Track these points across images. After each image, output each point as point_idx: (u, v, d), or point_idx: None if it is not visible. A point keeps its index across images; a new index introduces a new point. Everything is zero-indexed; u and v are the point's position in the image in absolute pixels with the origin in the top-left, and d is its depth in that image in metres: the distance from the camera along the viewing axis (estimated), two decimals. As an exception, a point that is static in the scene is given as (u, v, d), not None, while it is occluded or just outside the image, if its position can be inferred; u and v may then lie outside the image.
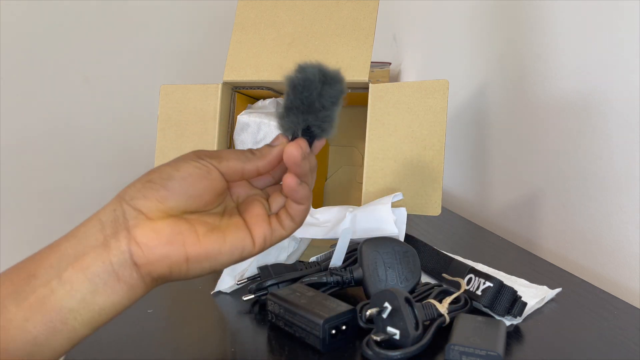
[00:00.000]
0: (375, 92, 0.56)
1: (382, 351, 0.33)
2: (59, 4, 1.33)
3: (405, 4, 1.32)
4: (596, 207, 0.58)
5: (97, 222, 0.29)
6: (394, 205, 0.49)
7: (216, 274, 0.51)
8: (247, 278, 0.45)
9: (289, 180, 0.31)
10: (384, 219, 0.47)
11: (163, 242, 0.28)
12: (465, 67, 0.96)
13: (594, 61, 0.59)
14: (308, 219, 0.53)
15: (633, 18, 0.52)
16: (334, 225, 0.49)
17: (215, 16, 1.44)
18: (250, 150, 0.33)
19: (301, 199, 0.32)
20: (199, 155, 0.31)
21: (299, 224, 0.33)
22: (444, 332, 0.36)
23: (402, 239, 0.48)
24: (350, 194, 0.72)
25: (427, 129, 0.55)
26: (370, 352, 0.34)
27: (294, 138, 0.32)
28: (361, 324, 0.37)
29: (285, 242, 0.48)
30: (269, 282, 0.43)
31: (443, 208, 0.76)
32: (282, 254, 0.48)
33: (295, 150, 0.31)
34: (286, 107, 0.32)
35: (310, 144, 0.33)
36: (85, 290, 0.27)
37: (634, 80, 0.52)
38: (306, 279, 0.42)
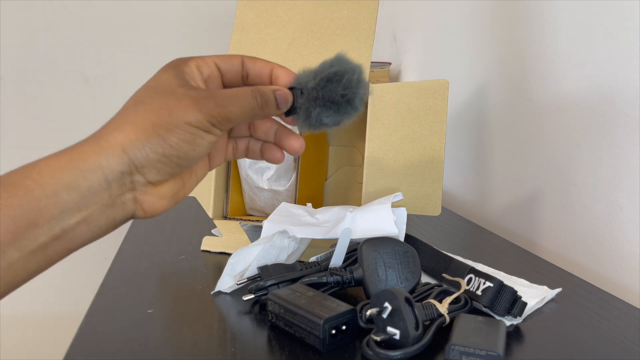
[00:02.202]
0: (375, 92, 0.56)
1: (382, 351, 0.33)
2: (59, 4, 1.33)
3: (405, 4, 1.32)
4: (596, 207, 0.58)
5: (103, 180, 0.29)
6: (394, 205, 0.49)
7: (216, 273, 0.51)
8: (247, 278, 0.45)
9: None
10: (384, 219, 0.47)
11: (164, 205, 0.32)
12: (465, 67, 0.96)
13: (594, 61, 0.59)
14: (308, 219, 0.53)
15: (633, 18, 0.52)
16: (334, 225, 0.49)
17: (215, 16, 1.44)
18: (256, 96, 0.32)
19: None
20: (211, 121, 0.30)
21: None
22: (444, 332, 0.36)
23: (402, 239, 0.48)
24: (350, 194, 0.72)
25: (427, 129, 0.55)
26: (370, 352, 0.34)
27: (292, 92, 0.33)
28: (361, 324, 0.37)
29: (285, 242, 0.48)
30: (269, 282, 0.43)
31: (443, 208, 0.76)
32: (282, 254, 0.48)
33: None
34: (316, 75, 0.32)
35: (290, 112, 0.33)
36: (87, 238, 0.29)
37: (634, 80, 0.52)
38: (306, 279, 0.42)
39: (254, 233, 0.63)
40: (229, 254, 0.51)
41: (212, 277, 0.50)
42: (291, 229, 0.49)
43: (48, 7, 1.32)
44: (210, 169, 0.36)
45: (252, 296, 0.43)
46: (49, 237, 0.28)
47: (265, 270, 0.44)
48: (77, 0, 1.33)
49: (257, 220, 0.63)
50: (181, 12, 1.44)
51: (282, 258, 0.48)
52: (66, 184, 0.28)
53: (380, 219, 0.47)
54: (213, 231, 0.65)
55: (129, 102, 0.31)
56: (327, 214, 0.52)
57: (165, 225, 0.68)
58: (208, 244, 0.59)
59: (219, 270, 0.52)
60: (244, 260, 0.46)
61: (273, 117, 0.35)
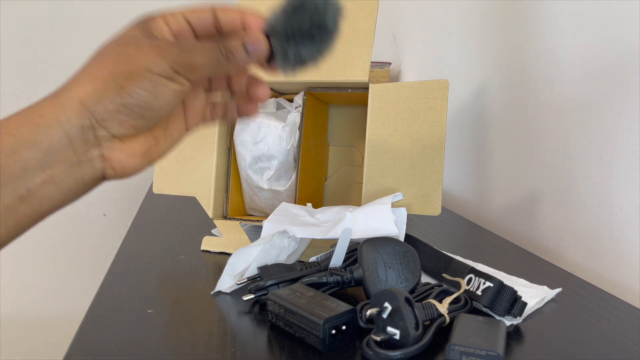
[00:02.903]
0: (375, 92, 0.56)
1: (382, 351, 0.33)
2: (58, 4, 1.33)
3: (405, 4, 1.32)
4: (596, 207, 0.58)
5: (64, 135, 0.27)
6: (394, 205, 0.49)
7: (216, 273, 0.51)
8: (247, 278, 0.45)
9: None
10: (384, 219, 0.47)
11: (136, 164, 0.30)
12: (465, 67, 0.96)
13: (594, 62, 0.59)
14: (308, 218, 0.53)
15: (634, 18, 0.52)
16: (334, 225, 0.49)
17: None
18: (220, 46, 0.30)
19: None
20: (174, 68, 0.29)
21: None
22: (444, 332, 0.36)
23: (402, 239, 0.48)
24: (350, 194, 0.72)
25: (427, 129, 0.55)
26: (370, 352, 0.34)
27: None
28: (361, 324, 0.37)
29: (285, 242, 0.48)
30: (269, 282, 0.43)
31: (443, 208, 0.76)
32: (282, 254, 0.48)
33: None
34: (287, 12, 0.30)
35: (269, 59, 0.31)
36: (57, 199, 0.28)
37: (634, 81, 0.52)
38: (306, 279, 0.42)
39: (254, 233, 0.63)
40: (229, 254, 0.51)
41: (212, 277, 0.50)
42: (291, 229, 0.49)
43: (48, 7, 1.32)
44: (187, 131, 0.34)
45: (252, 296, 0.43)
46: (14, 198, 0.26)
47: (265, 270, 0.44)
48: (77, 0, 1.33)
49: (257, 220, 0.63)
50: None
51: (282, 258, 0.48)
52: (26, 141, 0.26)
53: (380, 219, 0.47)
54: (213, 231, 0.65)
55: (91, 56, 0.30)
56: (327, 214, 0.52)
57: (165, 226, 0.68)
58: (208, 244, 0.59)
59: (219, 270, 0.52)
60: (244, 260, 0.46)
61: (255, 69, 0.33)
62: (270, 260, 0.47)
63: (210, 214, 0.61)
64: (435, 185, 0.54)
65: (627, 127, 0.54)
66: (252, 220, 0.64)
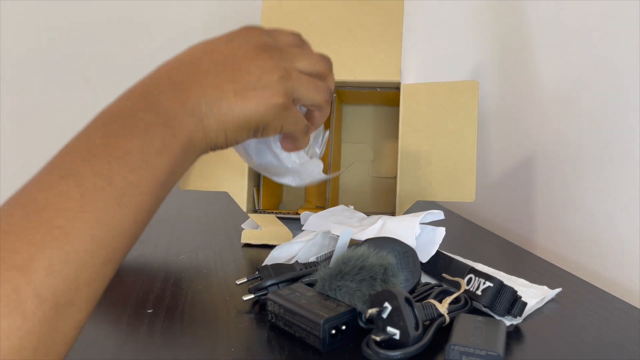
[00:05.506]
0: (407, 91, 0.61)
1: (382, 351, 0.33)
2: (59, 4, 1.33)
3: (405, 4, 1.32)
4: (596, 207, 0.58)
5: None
6: (434, 224, 0.49)
7: (216, 274, 0.51)
8: (247, 278, 0.45)
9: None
10: (407, 230, 0.47)
11: None
12: (464, 66, 0.96)
13: (596, 62, 0.59)
14: (353, 221, 0.53)
15: (632, 17, 0.52)
16: (364, 228, 0.49)
17: (220, 16, 1.43)
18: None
19: None
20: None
21: None
22: (444, 332, 0.36)
23: (428, 257, 0.47)
24: (364, 189, 0.74)
25: (460, 124, 0.58)
26: (370, 352, 0.34)
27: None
28: (361, 324, 0.37)
29: (326, 240, 0.50)
30: (269, 282, 0.43)
31: (442, 208, 0.76)
32: (321, 251, 0.49)
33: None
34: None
35: None
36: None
37: (634, 81, 0.52)
38: (306, 279, 0.42)
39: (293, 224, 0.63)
40: (270, 246, 0.52)
41: (212, 277, 0.50)
42: (333, 227, 0.50)
43: (48, 7, 1.32)
44: None
45: (252, 296, 0.43)
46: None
47: (265, 270, 0.45)
48: (78, 0, 1.33)
49: (287, 213, 0.64)
50: (182, 12, 1.43)
51: (321, 256, 0.49)
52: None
53: (404, 229, 0.47)
54: (243, 225, 0.65)
55: None
56: (370, 219, 0.53)
57: (166, 225, 0.68)
58: (249, 236, 0.59)
59: (218, 270, 0.52)
60: (286, 253, 0.48)
61: None
62: (310, 256, 0.48)
63: (244, 208, 0.62)
64: (469, 174, 0.58)
65: (627, 126, 0.54)
66: (284, 213, 0.64)
